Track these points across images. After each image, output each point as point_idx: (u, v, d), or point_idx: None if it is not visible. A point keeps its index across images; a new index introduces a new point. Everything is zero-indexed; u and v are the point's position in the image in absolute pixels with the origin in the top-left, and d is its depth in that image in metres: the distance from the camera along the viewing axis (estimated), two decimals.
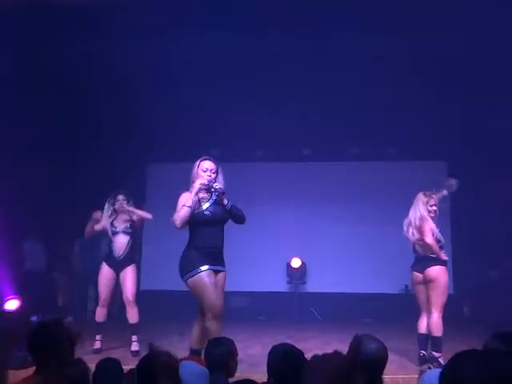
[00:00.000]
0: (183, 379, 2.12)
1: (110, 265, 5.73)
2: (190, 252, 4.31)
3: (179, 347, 4.71)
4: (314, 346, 5.63)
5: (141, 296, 8.87)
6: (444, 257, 4.92)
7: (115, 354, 4.15)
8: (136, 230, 5.94)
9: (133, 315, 5.65)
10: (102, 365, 2.81)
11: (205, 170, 4.36)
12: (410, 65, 6.90)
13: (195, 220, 4.29)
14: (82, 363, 2.67)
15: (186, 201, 4.28)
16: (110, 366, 2.82)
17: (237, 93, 7.28)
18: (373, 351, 2.37)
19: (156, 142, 8.66)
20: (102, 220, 5.75)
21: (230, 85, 7.18)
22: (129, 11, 5.92)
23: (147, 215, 5.89)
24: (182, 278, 4.33)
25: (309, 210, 8.93)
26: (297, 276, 8.74)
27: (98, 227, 5.79)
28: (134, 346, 5.52)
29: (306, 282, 8.81)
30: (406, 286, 7.48)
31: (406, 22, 6.27)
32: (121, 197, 5.82)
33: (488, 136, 8.07)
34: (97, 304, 5.91)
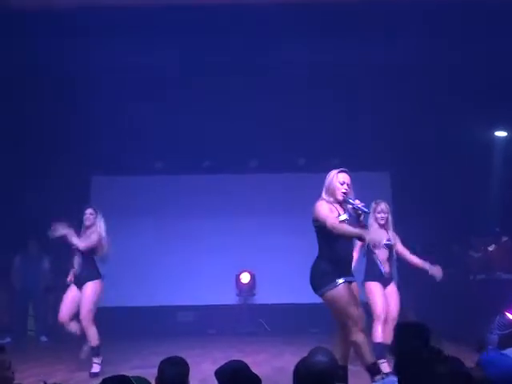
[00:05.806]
0: None
1: (75, 282, 5.56)
2: (325, 264, 4.15)
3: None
4: (264, 359, 5.58)
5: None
6: None
7: None
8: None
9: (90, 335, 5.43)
10: None
11: (342, 182, 4.35)
12: (350, 77, 7.05)
13: (331, 231, 4.09)
14: None
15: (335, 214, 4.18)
16: None
17: (180, 104, 7.21)
18: (324, 364, 2.37)
19: (100, 155, 8.49)
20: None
21: (171, 97, 7.12)
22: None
23: (78, 242, 5.49)
24: (317, 291, 4.15)
25: (257, 222, 8.92)
26: (246, 289, 8.74)
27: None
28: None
29: (255, 294, 8.81)
30: None
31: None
32: (88, 210, 5.64)
33: (428, 147, 8.38)
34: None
